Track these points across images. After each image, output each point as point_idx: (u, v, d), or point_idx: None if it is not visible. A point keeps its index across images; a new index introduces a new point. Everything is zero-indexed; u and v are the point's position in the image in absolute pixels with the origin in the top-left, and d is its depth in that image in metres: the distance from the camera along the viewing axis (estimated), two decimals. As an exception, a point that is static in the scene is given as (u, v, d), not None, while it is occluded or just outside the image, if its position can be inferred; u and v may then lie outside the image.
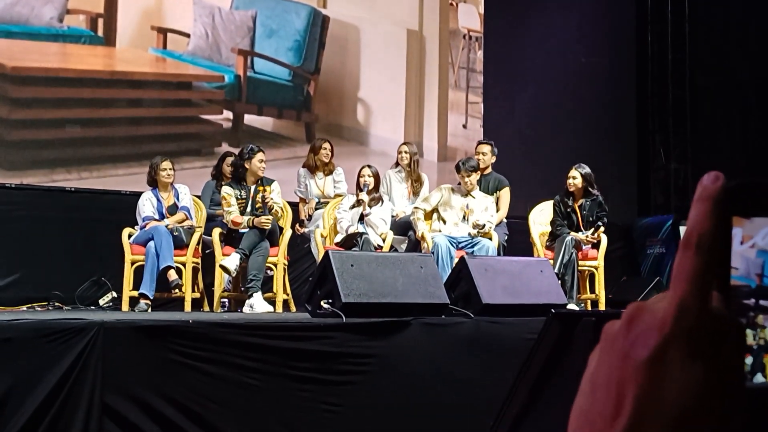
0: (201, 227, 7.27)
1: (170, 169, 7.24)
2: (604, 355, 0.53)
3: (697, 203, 0.52)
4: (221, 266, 6.82)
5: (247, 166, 7.14)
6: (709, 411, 0.50)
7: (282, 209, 7.21)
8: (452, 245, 7.21)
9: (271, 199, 7.03)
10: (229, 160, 7.77)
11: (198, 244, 7.08)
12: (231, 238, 7.02)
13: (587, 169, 7.72)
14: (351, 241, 7.18)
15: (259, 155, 7.13)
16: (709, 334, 0.50)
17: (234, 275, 6.96)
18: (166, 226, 6.88)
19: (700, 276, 0.51)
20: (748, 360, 0.54)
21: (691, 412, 0.50)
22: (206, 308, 7.18)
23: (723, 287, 0.52)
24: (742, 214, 0.53)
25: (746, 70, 10.99)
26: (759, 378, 0.55)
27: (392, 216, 7.65)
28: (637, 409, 0.51)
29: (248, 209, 7.12)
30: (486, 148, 8.21)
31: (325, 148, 7.89)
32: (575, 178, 7.68)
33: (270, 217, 6.94)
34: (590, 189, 7.69)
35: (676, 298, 0.51)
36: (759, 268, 0.54)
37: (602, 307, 7.41)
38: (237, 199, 7.12)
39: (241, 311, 6.82)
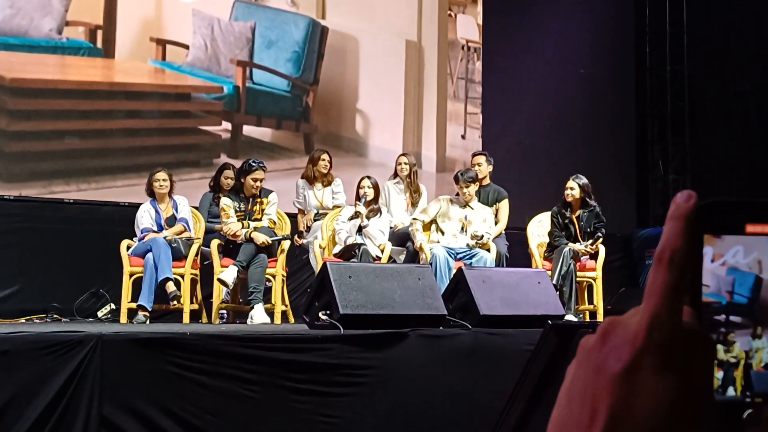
0: (199, 239, 7.26)
1: (164, 179, 7.22)
2: (579, 368, 0.55)
3: (670, 220, 0.53)
4: (219, 279, 6.83)
5: (242, 180, 7.18)
6: (680, 423, 0.51)
7: (275, 221, 7.23)
8: (450, 256, 7.21)
9: (255, 230, 7.01)
10: (228, 172, 7.78)
11: (196, 255, 7.08)
12: (229, 249, 7.03)
13: (584, 180, 7.73)
14: (349, 253, 7.18)
15: (256, 173, 7.13)
16: (680, 348, 0.52)
17: (231, 287, 6.96)
18: (165, 238, 6.88)
19: (672, 291, 0.52)
20: (720, 374, 0.56)
21: (663, 424, 0.51)
22: (205, 320, 7.18)
23: (694, 303, 0.54)
24: (713, 232, 0.55)
25: (745, 80, 11.01)
26: (730, 392, 0.57)
27: (391, 227, 7.65)
28: (611, 421, 0.52)
29: (246, 220, 7.14)
30: (481, 159, 8.22)
31: (324, 159, 7.89)
32: (573, 189, 7.69)
33: (268, 239, 6.94)
34: (588, 200, 7.70)
35: (649, 312, 0.52)
36: (729, 285, 0.56)
37: (600, 318, 7.41)
38: (236, 210, 7.14)
39: (242, 323, 6.82)
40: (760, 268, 0.56)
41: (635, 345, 0.52)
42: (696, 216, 0.53)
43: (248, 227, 7.02)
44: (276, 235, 7.17)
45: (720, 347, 0.56)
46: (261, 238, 6.91)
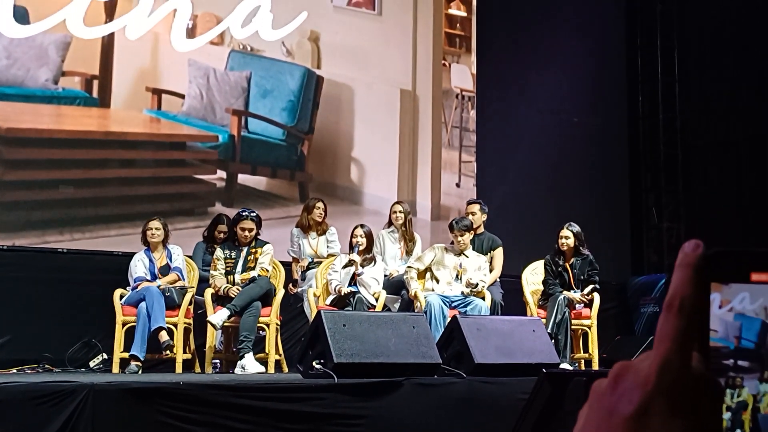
0: (193, 287, 7.24)
1: (157, 228, 7.21)
2: (592, 411, 0.57)
3: (678, 269, 0.55)
4: (207, 321, 6.82)
5: (234, 229, 7.22)
6: None
7: (267, 270, 7.23)
8: (445, 304, 7.19)
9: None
10: (221, 227, 7.80)
11: (190, 304, 7.06)
12: (223, 298, 7.01)
13: (578, 228, 7.75)
14: (344, 301, 7.17)
15: (244, 223, 7.18)
16: (689, 392, 0.53)
17: (219, 329, 6.93)
18: (158, 287, 6.86)
19: (681, 337, 0.54)
20: (727, 416, 0.57)
21: None
22: (198, 369, 7.13)
23: (703, 348, 0.55)
24: (720, 279, 0.57)
25: (739, 129, 11.08)
26: None
27: (385, 275, 7.64)
28: None
29: (238, 269, 7.14)
30: (475, 208, 8.23)
31: (319, 208, 7.90)
32: (567, 237, 7.70)
33: (237, 290, 6.96)
34: (581, 248, 7.71)
35: (659, 357, 0.54)
36: (737, 330, 0.58)
37: (596, 366, 7.38)
38: (226, 259, 7.16)
39: (233, 372, 6.78)
40: (766, 314, 0.58)
41: (646, 389, 0.54)
42: (703, 264, 0.55)
43: (234, 281, 7.05)
44: (272, 285, 7.17)
45: (728, 392, 0.57)
46: (233, 289, 6.97)
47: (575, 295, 7.51)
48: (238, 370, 6.66)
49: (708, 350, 0.55)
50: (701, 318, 0.55)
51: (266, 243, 7.31)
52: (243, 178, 9.08)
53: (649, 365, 0.54)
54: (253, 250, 7.22)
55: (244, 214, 7.26)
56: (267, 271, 7.22)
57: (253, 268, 7.15)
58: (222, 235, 7.70)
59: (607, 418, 0.55)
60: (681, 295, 0.54)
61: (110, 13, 8.53)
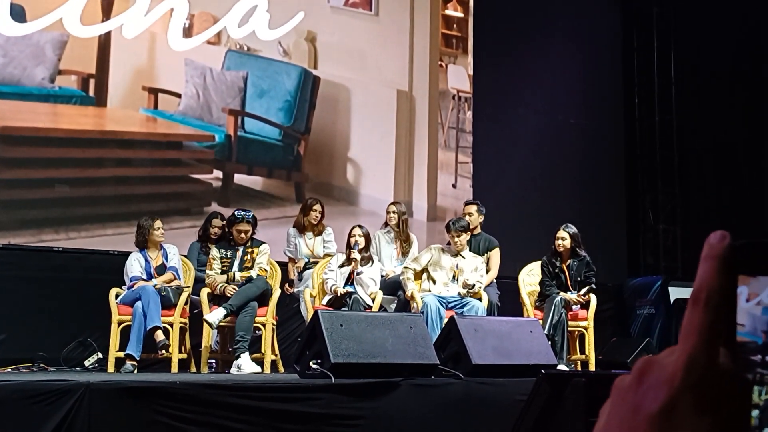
0: (189, 287, 7.23)
1: (162, 228, 7.26)
2: (614, 408, 0.55)
3: (704, 261, 0.54)
4: (203, 320, 6.81)
5: (230, 230, 7.22)
6: None
7: (266, 270, 7.22)
8: (442, 305, 7.19)
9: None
10: (216, 221, 7.78)
11: (186, 304, 7.05)
12: (219, 298, 7.00)
13: (574, 229, 7.75)
14: (340, 301, 7.16)
15: (240, 225, 7.18)
16: (716, 388, 0.52)
17: (215, 328, 6.92)
18: (154, 286, 6.84)
19: (708, 331, 0.53)
20: (755, 413, 0.55)
21: None
22: (193, 369, 7.11)
23: (730, 343, 0.54)
24: (748, 272, 0.55)
25: (735, 131, 11.10)
26: None
27: (382, 275, 7.63)
28: None
29: (235, 268, 7.13)
30: (473, 208, 8.23)
31: (315, 210, 7.87)
32: (564, 239, 7.69)
33: (234, 288, 6.94)
34: (578, 249, 7.71)
35: (686, 353, 0.53)
36: (765, 325, 0.56)
37: (592, 367, 7.38)
38: (222, 258, 7.15)
39: (229, 372, 6.76)
40: None
41: (672, 385, 0.52)
42: (730, 256, 0.54)
43: (232, 277, 7.04)
44: (269, 285, 7.16)
45: (756, 388, 0.55)
46: (229, 288, 6.97)
47: (572, 296, 7.51)
48: (234, 370, 6.65)
49: (735, 345, 0.54)
50: (728, 312, 0.54)
51: (263, 243, 7.30)
52: (239, 178, 9.07)
53: (675, 361, 0.53)
54: (249, 250, 7.21)
55: (239, 216, 7.24)
56: (265, 271, 7.22)
57: (250, 268, 7.14)
58: (216, 230, 7.69)
59: (631, 415, 0.53)
60: (707, 288, 0.53)
61: (107, 12, 8.52)
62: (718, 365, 0.52)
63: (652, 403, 0.53)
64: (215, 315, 6.79)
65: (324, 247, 7.89)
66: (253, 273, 7.10)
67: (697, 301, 0.53)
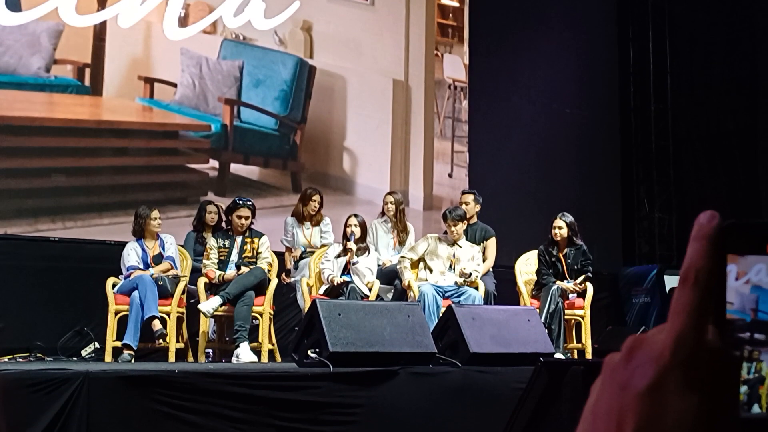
0: (186, 276, 7.23)
1: (159, 218, 7.25)
2: (605, 386, 0.56)
3: (693, 241, 0.55)
4: (198, 308, 6.81)
5: (229, 218, 7.21)
6: None
7: (271, 263, 7.25)
8: (439, 294, 7.20)
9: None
10: (210, 207, 7.77)
11: (183, 293, 7.05)
12: (216, 287, 7.00)
13: (571, 218, 7.76)
14: (337, 291, 7.17)
15: (240, 211, 7.17)
16: (705, 366, 0.53)
17: (210, 317, 6.91)
18: (151, 276, 6.85)
19: (697, 310, 0.53)
20: (744, 390, 0.56)
21: None
22: (191, 359, 7.12)
23: (719, 321, 0.54)
24: (737, 251, 0.56)
25: (730, 120, 11.12)
26: (755, 409, 0.57)
27: (379, 265, 7.64)
28: None
29: (233, 258, 7.13)
30: (469, 198, 8.23)
31: (315, 200, 7.86)
32: (561, 228, 7.70)
33: (234, 275, 6.96)
34: (574, 238, 7.72)
35: (674, 331, 0.53)
36: (753, 302, 0.57)
37: (589, 356, 7.40)
38: (220, 248, 7.14)
39: (228, 361, 6.77)
40: None
41: (660, 363, 0.53)
42: (719, 236, 0.54)
43: (233, 268, 7.05)
44: (266, 275, 7.16)
45: (745, 365, 0.56)
46: (231, 273, 6.99)
47: (568, 285, 7.53)
48: (234, 360, 6.66)
49: (724, 323, 0.55)
50: (717, 290, 0.54)
51: (262, 234, 7.30)
52: (235, 168, 9.06)
53: (664, 339, 0.53)
54: (249, 240, 7.20)
55: (240, 202, 7.25)
56: (271, 264, 7.24)
57: (250, 258, 7.14)
58: (213, 215, 7.69)
59: (620, 392, 0.54)
60: (696, 267, 0.54)
61: (102, 2, 8.49)
62: (707, 343, 0.53)
63: (640, 380, 0.53)
64: (209, 304, 6.79)
65: (321, 237, 7.89)
66: (264, 267, 7.12)
67: (686, 280, 0.54)
